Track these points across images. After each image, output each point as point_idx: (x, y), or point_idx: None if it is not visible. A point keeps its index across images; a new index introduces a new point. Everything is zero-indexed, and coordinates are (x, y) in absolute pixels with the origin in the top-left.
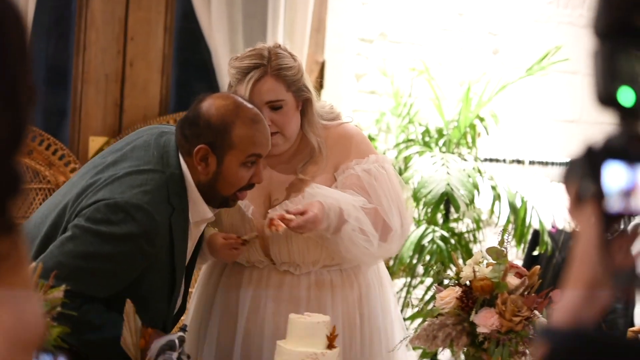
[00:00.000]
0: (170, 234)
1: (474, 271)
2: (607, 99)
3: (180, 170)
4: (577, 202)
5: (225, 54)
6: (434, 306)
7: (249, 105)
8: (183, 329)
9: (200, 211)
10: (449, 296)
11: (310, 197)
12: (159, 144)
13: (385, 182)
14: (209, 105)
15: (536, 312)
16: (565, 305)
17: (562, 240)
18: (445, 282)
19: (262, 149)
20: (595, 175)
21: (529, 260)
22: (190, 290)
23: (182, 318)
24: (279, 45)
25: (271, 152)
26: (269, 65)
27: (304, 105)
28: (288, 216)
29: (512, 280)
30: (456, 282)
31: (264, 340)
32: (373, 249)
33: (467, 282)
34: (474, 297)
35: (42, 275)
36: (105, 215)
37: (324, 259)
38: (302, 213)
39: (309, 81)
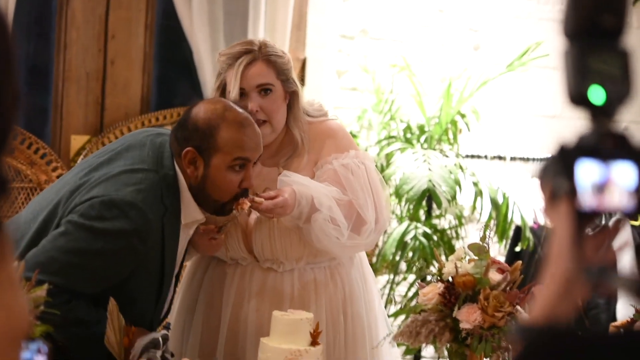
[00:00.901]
0: (162, 234)
1: (456, 267)
2: (578, 98)
3: (174, 172)
4: (552, 200)
5: (206, 52)
6: (417, 302)
7: (239, 110)
8: (167, 327)
9: (191, 213)
10: (432, 292)
11: (282, 184)
12: (155, 144)
13: (363, 177)
14: (199, 109)
15: (518, 307)
16: (540, 302)
17: (544, 236)
18: (428, 278)
19: (249, 153)
20: (568, 173)
21: (512, 256)
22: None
23: (166, 319)
24: (268, 41)
25: None
26: (260, 52)
27: (291, 98)
28: (257, 199)
29: (494, 276)
30: (438, 278)
31: (247, 338)
32: (343, 239)
33: (450, 278)
34: (457, 293)
35: (31, 269)
36: (99, 212)
37: (307, 255)
38: (272, 198)
39: (297, 77)
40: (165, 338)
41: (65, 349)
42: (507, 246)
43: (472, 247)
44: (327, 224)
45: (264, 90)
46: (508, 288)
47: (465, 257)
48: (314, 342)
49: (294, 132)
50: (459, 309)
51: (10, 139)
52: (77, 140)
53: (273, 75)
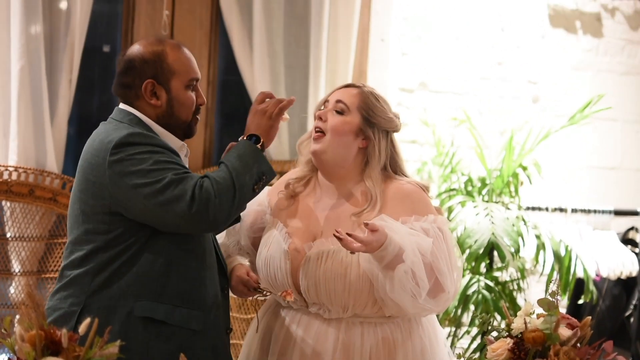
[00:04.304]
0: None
1: (525, 322)
2: None
3: (134, 115)
4: None
5: None
6: (485, 357)
7: (169, 38)
8: None
9: (172, 141)
10: (501, 348)
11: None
12: (98, 130)
13: (441, 244)
14: (135, 49)
15: None
16: None
17: (606, 288)
18: (494, 333)
19: (197, 73)
20: None
21: (573, 309)
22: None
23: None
24: (377, 91)
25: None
26: (362, 85)
27: (368, 147)
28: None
29: (564, 332)
30: (507, 333)
31: None
32: (420, 299)
33: (519, 334)
34: (526, 348)
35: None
36: (120, 153)
37: (353, 306)
38: (373, 230)
39: (391, 140)
40: None
41: None
42: (570, 299)
43: (542, 302)
44: (407, 278)
45: (339, 110)
46: (578, 344)
47: (533, 312)
48: None
49: (366, 181)
50: None
51: None
52: None
53: (355, 102)
